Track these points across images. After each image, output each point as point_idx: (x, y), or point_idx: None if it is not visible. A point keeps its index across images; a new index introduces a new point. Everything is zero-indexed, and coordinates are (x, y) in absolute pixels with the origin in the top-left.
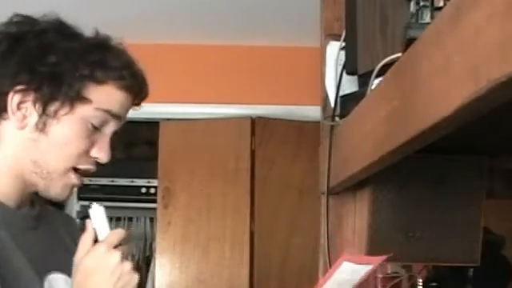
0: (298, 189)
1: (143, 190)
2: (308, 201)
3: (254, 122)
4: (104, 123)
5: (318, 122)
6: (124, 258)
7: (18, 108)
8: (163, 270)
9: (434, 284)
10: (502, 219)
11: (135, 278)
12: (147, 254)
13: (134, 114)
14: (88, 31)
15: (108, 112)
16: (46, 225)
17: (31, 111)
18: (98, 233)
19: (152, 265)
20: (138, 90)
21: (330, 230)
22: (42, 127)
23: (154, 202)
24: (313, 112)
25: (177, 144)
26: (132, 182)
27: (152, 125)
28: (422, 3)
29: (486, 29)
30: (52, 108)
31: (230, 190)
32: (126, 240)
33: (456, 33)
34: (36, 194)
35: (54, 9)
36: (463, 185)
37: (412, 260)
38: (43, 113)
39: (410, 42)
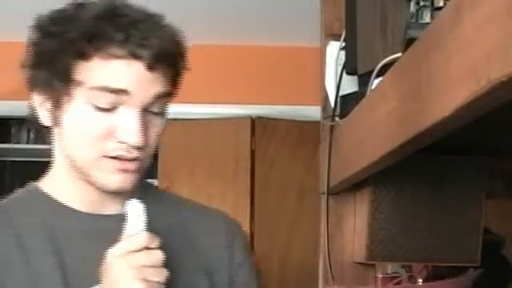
0: (297, 189)
1: None
2: (308, 201)
3: (254, 122)
4: (115, 103)
5: (318, 122)
6: (139, 265)
7: (42, 106)
8: None
9: None
10: (502, 219)
11: None
12: None
13: None
14: None
15: (105, 89)
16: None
17: (47, 107)
18: (128, 232)
19: None
20: (138, 54)
21: (330, 230)
22: (56, 121)
23: None
24: (313, 112)
25: (177, 144)
26: None
27: None
28: (422, 3)
29: (485, 29)
30: (54, 99)
31: (229, 190)
32: (155, 243)
33: (456, 33)
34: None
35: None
36: (463, 185)
37: (412, 260)
38: (51, 106)
39: (410, 42)
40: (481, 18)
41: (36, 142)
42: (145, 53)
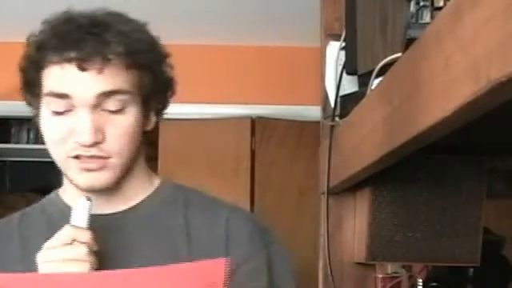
0: (297, 189)
1: None
2: (308, 201)
3: (254, 122)
4: (66, 106)
5: (318, 122)
6: (60, 258)
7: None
8: None
9: (434, 284)
10: (502, 219)
11: None
12: None
13: None
14: None
15: (51, 94)
16: (121, 232)
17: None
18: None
19: None
20: (69, 57)
21: (330, 230)
22: (38, 125)
23: None
24: (313, 112)
25: (177, 144)
26: None
27: None
28: (421, 3)
29: (485, 29)
30: (33, 110)
31: (229, 190)
32: (84, 237)
33: (456, 33)
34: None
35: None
36: (463, 185)
37: (412, 260)
38: (33, 116)
39: (410, 42)
40: (481, 18)
41: (36, 142)
42: (75, 55)
